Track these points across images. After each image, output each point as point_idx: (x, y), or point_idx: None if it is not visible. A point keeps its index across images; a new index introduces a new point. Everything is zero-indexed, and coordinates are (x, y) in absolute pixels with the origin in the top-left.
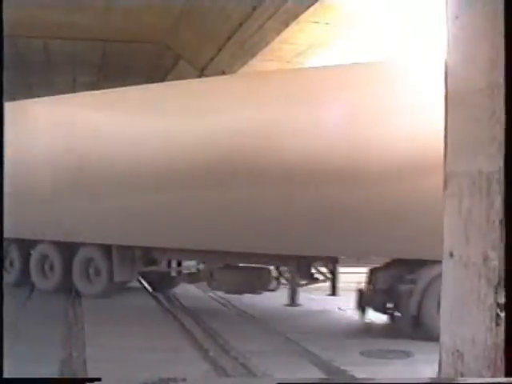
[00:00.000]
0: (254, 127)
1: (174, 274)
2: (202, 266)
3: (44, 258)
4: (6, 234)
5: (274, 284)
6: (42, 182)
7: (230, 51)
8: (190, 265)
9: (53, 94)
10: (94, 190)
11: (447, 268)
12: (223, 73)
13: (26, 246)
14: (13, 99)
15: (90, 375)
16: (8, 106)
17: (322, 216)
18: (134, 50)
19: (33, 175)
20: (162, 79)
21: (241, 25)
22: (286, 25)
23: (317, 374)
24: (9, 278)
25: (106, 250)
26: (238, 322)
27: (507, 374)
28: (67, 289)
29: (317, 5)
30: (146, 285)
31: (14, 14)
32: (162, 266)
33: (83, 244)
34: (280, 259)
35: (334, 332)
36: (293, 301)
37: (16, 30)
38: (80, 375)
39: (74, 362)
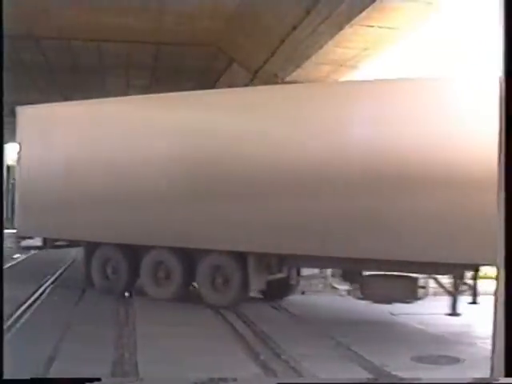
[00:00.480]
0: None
1: (293, 281)
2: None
3: (158, 265)
4: (108, 240)
5: (421, 293)
6: (161, 184)
7: (284, 54)
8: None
9: (106, 96)
10: (226, 194)
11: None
12: (276, 76)
13: (134, 252)
14: (67, 100)
15: None
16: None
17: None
18: (186, 53)
19: (150, 178)
20: (214, 82)
21: (294, 28)
22: (340, 28)
23: None
24: (111, 285)
25: (238, 257)
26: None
27: (507, 374)
28: (187, 298)
29: (370, 8)
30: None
31: (69, 18)
32: (291, 274)
33: (208, 251)
34: (436, 267)
35: None
36: (454, 310)
37: (70, 34)
38: None
39: None
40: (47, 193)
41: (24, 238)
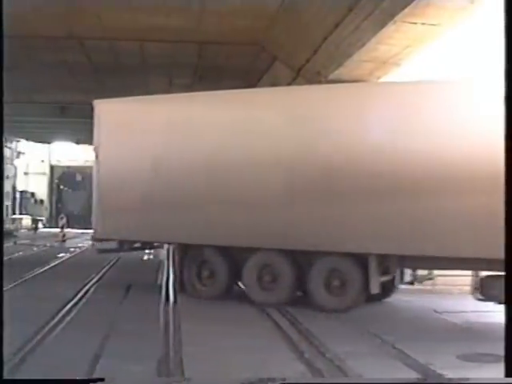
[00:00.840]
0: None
1: (398, 283)
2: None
3: (264, 268)
4: (208, 241)
5: None
6: (270, 182)
7: (326, 52)
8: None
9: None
10: (346, 194)
11: None
12: (319, 74)
13: (234, 254)
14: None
15: None
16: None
17: None
18: (229, 52)
19: (259, 176)
20: (257, 81)
21: (337, 26)
22: (382, 25)
23: None
24: (207, 289)
25: (358, 259)
26: None
27: (507, 374)
28: (296, 302)
29: (413, 5)
30: None
31: (112, 19)
32: (399, 275)
33: (323, 253)
34: None
35: None
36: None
37: (113, 34)
38: None
39: None
40: (130, 193)
41: (101, 240)
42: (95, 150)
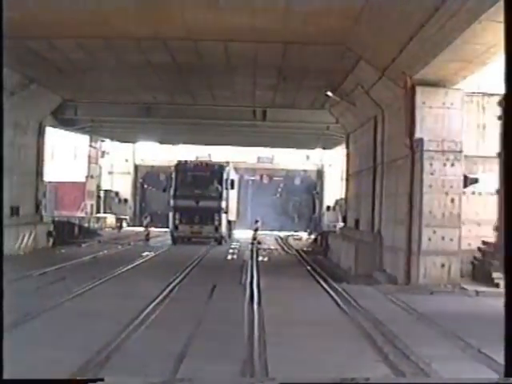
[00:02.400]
0: None
1: None
2: None
3: None
4: None
5: None
6: None
7: (411, 52)
8: None
9: (234, 96)
10: None
11: None
12: (404, 74)
13: None
14: (194, 99)
15: None
16: None
17: None
18: (313, 52)
19: None
20: (342, 81)
21: (422, 25)
22: (468, 24)
23: None
24: None
25: None
26: None
27: (507, 374)
28: None
29: (500, 3)
30: None
31: (196, 19)
32: None
33: None
34: None
35: None
36: None
37: (198, 34)
38: None
39: None
40: None
41: None
42: None
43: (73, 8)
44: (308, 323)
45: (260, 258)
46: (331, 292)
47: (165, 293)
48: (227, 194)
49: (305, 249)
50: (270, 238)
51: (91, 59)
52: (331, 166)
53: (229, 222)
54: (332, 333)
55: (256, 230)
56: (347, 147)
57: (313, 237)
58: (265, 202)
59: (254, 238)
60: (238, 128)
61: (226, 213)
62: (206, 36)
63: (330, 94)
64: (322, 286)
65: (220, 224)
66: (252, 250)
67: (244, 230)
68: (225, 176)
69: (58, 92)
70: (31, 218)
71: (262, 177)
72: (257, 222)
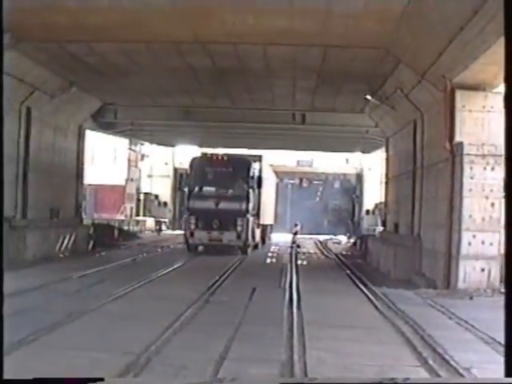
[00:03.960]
0: None
1: None
2: None
3: None
4: None
5: None
6: None
7: (451, 55)
8: None
9: (273, 99)
10: None
11: None
12: (444, 77)
13: None
14: (233, 103)
15: None
16: None
17: None
18: (353, 55)
19: None
20: (381, 84)
21: (461, 28)
22: None
23: None
24: None
25: None
26: None
27: (507, 374)
28: None
29: None
30: None
31: (235, 22)
32: None
33: None
34: None
35: None
36: None
37: (237, 38)
38: None
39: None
40: None
41: None
42: None
43: (113, 12)
44: (347, 327)
45: (299, 262)
46: (370, 296)
47: (205, 296)
48: (255, 194)
49: (344, 252)
50: (309, 242)
51: (131, 63)
52: (371, 170)
53: (262, 227)
54: (371, 337)
55: (295, 233)
56: (387, 151)
57: (352, 241)
58: (304, 206)
59: (294, 242)
60: (277, 131)
61: (255, 216)
62: (245, 39)
63: (369, 97)
64: (361, 289)
65: (243, 230)
66: (291, 254)
67: (283, 233)
68: (251, 172)
69: (98, 95)
70: (71, 221)
71: (301, 180)
72: (296, 225)
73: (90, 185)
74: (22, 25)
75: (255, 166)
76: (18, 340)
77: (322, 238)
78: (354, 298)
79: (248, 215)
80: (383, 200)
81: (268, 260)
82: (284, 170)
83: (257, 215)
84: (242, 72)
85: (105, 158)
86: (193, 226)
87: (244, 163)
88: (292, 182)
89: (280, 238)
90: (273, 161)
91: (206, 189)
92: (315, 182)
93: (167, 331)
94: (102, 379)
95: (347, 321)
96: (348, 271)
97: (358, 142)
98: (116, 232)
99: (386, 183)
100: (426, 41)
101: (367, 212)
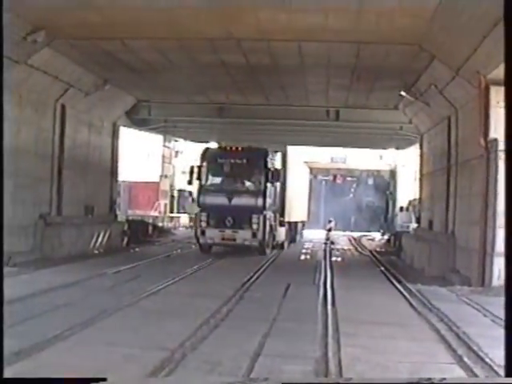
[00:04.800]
0: None
1: None
2: None
3: None
4: None
5: None
6: None
7: (485, 51)
8: None
9: (307, 96)
10: None
11: None
12: (478, 73)
13: None
14: (267, 99)
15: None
16: None
17: None
18: (386, 52)
19: None
20: (415, 80)
21: (495, 24)
22: None
23: None
24: None
25: None
26: None
27: (507, 374)
28: None
29: None
30: None
31: (269, 19)
32: None
33: None
34: None
35: None
36: None
37: (271, 35)
38: None
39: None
40: None
41: None
42: None
43: (146, 9)
44: (382, 324)
45: (333, 259)
46: (405, 293)
47: (239, 292)
48: (274, 189)
49: (378, 249)
50: (343, 239)
51: (165, 60)
52: (404, 167)
53: (290, 224)
54: (406, 334)
55: (329, 230)
56: (421, 147)
57: (386, 237)
58: (338, 203)
59: (328, 239)
60: (311, 128)
61: (276, 212)
62: (278, 36)
63: (403, 94)
64: (395, 286)
65: (259, 228)
66: (325, 251)
67: (317, 230)
68: (269, 164)
69: (132, 92)
70: (106, 218)
71: (335, 177)
72: (330, 222)
73: (124, 181)
74: (56, 23)
75: (274, 157)
76: (54, 336)
77: (355, 234)
78: (388, 295)
79: (266, 212)
80: (417, 197)
81: (302, 257)
82: (318, 167)
83: (280, 212)
84: (275, 69)
85: (139, 154)
86: (204, 224)
87: (260, 154)
88: (326, 178)
89: (313, 235)
90: (307, 157)
91: (218, 182)
92: (349, 179)
93: (202, 327)
94: (104, 379)
95: (382, 318)
96: (382, 268)
97: (391, 139)
98: (150, 228)
99: (420, 180)
100: (460, 37)
101: (401, 209)
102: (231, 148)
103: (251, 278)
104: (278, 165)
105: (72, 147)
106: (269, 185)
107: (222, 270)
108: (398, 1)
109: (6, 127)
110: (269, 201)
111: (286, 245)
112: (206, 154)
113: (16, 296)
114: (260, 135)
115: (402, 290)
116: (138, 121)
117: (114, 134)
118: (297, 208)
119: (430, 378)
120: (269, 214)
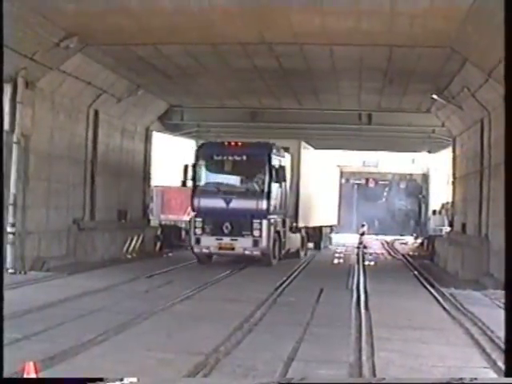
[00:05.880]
0: None
1: None
2: None
3: None
4: None
5: None
6: None
7: None
8: None
9: (339, 100)
10: None
11: None
12: None
13: None
14: (300, 103)
15: None
16: None
17: None
18: (419, 55)
19: None
20: (448, 83)
21: None
22: None
23: None
24: None
25: None
26: None
27: (507, 374)
28: None
29: None
30: None
31: (302, 23)
32: None
33: None
34: None
35: None
36: None
37: (303, 38)
38: None
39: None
40: None
41: None
42: None
43: (179, 15)
44: (416, 328)
45: (366, 263)
46: (438, 297)
47: (272, 297)
48: (282, 189)
49: (411, 253)
50: (375, 243)
51: (197, 64)
52: (437, 170)
53: (308, 230)
54: (440, 338)
55: (362, 234)
56: (453, 151)
57: (419, 241)
58: (370, 206)
59: (360, 243)
60: (343, 132)
61: (285, 216)
62: (311, 40)
63: (435, 97)
64: (428, 290)
65: (262, 235)
66: (358, 255)
67: (350, 234)
68: (274, 161)
69: (164, 98)
70: (139, 222)
71: (367, 181)
72: (363, 226)
73: (156, 186)
74: (88, 29)
75: (281, 153)
76: (88, 340)
77: (388, 238)
78: (421, 299)
79: (271, 216)
80: (450, 200)
81: (335, 261)
82: (350, 171)
83: (293, 216)
84: (308, 73)
85: (171, 159)
86: (199, 231)
87: (263, 149)
88: (358, 182)
89: (346, 239)
90: (339, 161)
91: (215, 183)
92: (381, 183)
93: (236, 332)
94: (101, 379)
95: (415, 322)
96: (415, 272)
97: (424, 142)
98: (183, 233)
99: (453, 183)
100: (493, 39)
101: (434, 212)
102: (230, 143)
103: (284, 282)
104: (287, 162)
105: (105, 152)
106: (274, 185)
107: (255, 275)
108: (430, 3)
109: (41, 133)
110: (274, 203)
111: (301, 254)
112: (200, 151)
113: (50, 301)
114: (292, 139)
115: (435, 293)
116: (170, 126)
117: (147, 139)
118: (320, 212)
119: (461, 378)
120: (274, 218)
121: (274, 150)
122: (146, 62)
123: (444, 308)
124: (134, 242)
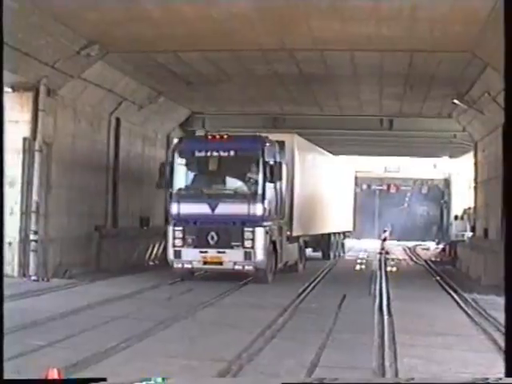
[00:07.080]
0: None
1: None
2: None
3: None
4: None
5: None
6: None
7: None
8: None
9: (360, 105)
10: None
11: None
12: None
13: None
14: (321, 110)
15: None
16: None
17: None
18: (439, 60)
19: None
20: (469, 88)
21: None
22: None
23: None
24: None
25: None
26: None
27: (507, 374)
28: None
29: None
30: None
31: (322, 29)
32: None
33: None
34: None
35: None
36: None
37: (324, 44)
38: None
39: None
40: None
41: None
42: None
43: (199, 22)
44: (438, 334)
45: (388, 269)
46: (461, 303)
47: (295, 303)
48: (278, 190)
49: (433, 259)
50: (397, 248)
51: (218, 71)
52: (459, 175)
53: (322, 237)
54: (463, 344)
55: (384, 239)
56: (475, 156)
57: (441, 246)
58: (392, 212)
59: (382, 248)
60: (364, 137)
61: (279, 222)
62: (332, 46)
63: (456, 102)
64: (451, 296)
65: (256, 246)
66: (380, 260)
67: (372, 239)
68: (267, 156)
69: (185, 105)
70: (161, 229)
71: (389, 186)
72: (385, 231)
73: None
74: (109, 37)
75: (276, 148)
76: (111, 347)
77: (410, 244)
78: (444, 305)
79: (265, 222)
80: (472, 205)
81: (357, 267)
82: (371, 176)
83: (288, 223)
84: (328, 79)
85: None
86: (178, 242)
87: (255, 143)
88: (379, 188)
89: (368, 245)
90: (360, 167)
91: (196, 185)
92: (403, 188)
93: (258, 338)
94: (104, 379)
95: (438, 328)
96: (438, 277)
97: (445, 147)
98: None
99: (475, 188)
100: None
101: (456, 217)
102: (214, 136)
103: (306, 288)
104: (283, 159)
105: (126, 159)
106: (269, 185)
107: (277, 281)
108: (450, 8)
109: (62, 141)
110: (269, 207)
111: (300, 266)
112: (179, 146)
113: (73, 308)
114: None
115: (457, 299)
116: (192, 133)
117: (168, 146)
118: (328, 217)
119: (486, 378)
120: (269, 225)
121: (268, 144)
122: (166, 68)
123: (467, 313)
124: (155, 248)
